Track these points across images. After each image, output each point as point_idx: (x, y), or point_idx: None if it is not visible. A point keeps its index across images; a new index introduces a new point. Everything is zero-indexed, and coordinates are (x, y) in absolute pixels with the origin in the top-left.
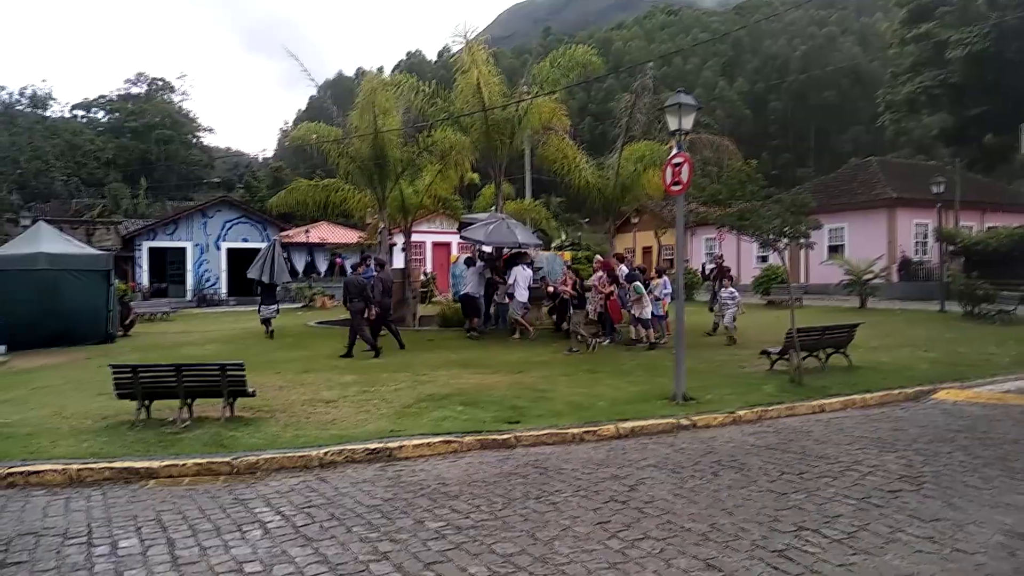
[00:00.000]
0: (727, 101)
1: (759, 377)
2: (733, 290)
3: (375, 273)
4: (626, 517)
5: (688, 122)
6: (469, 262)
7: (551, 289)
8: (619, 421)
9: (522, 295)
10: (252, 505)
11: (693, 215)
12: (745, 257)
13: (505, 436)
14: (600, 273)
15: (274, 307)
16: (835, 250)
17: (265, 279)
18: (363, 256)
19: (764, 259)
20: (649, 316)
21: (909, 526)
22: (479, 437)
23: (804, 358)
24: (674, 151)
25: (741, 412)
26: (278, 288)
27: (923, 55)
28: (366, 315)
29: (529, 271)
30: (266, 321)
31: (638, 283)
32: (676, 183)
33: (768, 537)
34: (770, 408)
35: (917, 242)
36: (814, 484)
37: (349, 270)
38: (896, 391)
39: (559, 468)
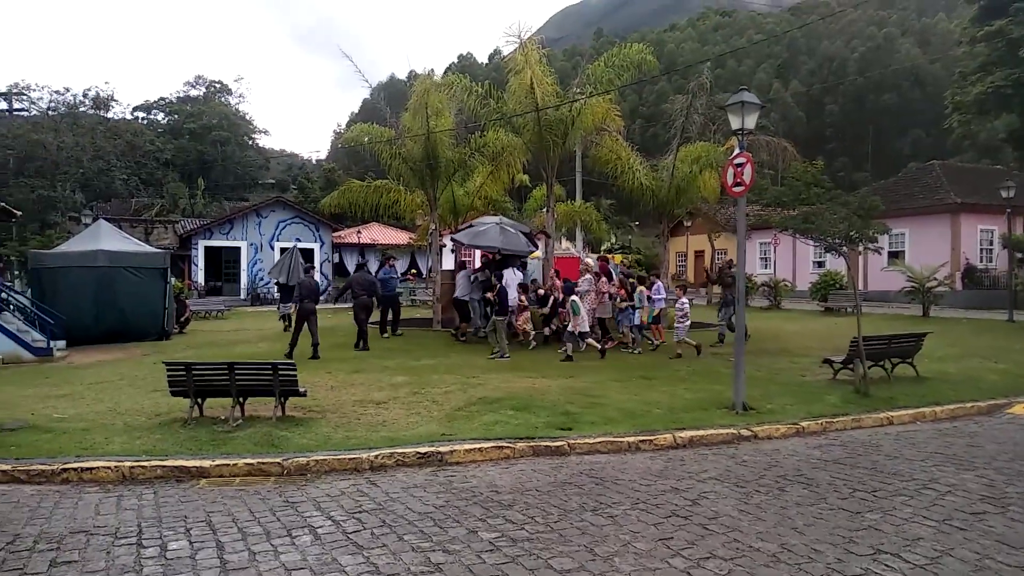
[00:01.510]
0: (782, 103)
1: (821, 387)
2: (685, 300)
3: (395, 275)
4: (689, 534)
5: (751, 121)
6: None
7: (541, 292)
8: (676, 430)
9: (512, 298)
10: (302, 508)
11: (750, 218)
12: (801, 263)
13: (558, 443)
14: (588, 276)
15: (291, 304)
16: (895, 256)
17: (282, 280)
18: (359, 263)
19: (820, 264)
20: (587, 329)
21: (997, 553)
22: (531, 443)
23: (869, 367)
24: (736, 151)
25: (804, 423)
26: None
27: (994, 54)
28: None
29: (520, 273)
30: (284, 317)
31: (574, 299)
32: (738, 184)
33: (844, 560)
34: (835, 420)
35: (982, 249)
36: (889, 503)
37: (355, 268)
38: (968, 404)
39: (615, 478)
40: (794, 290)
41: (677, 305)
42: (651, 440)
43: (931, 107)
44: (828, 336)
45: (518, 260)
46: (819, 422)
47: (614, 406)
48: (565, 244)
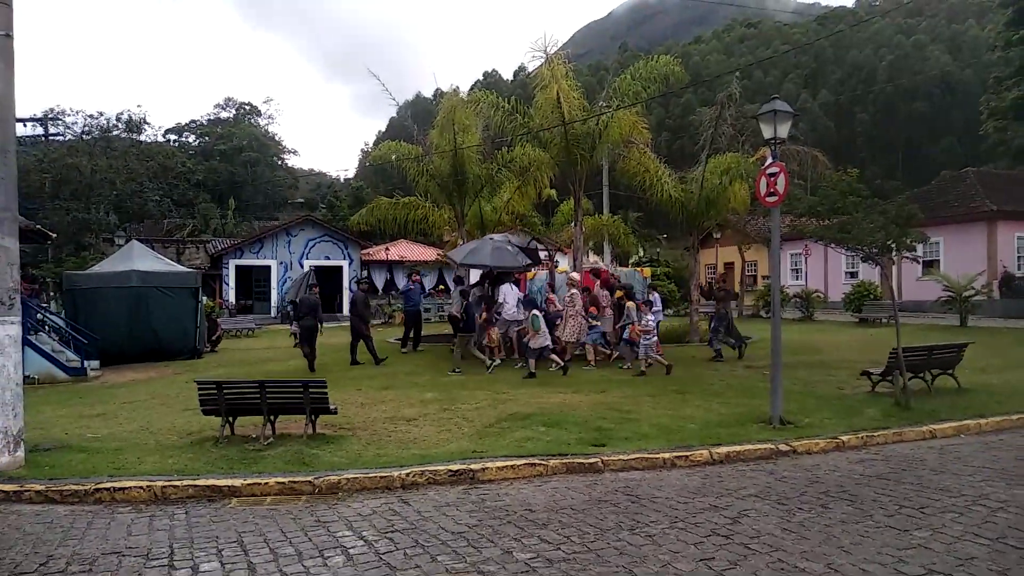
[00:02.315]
0: (810, 114)
1: (860, 399)
2: (651, 317)
3: (414, 289)
4: (731, 554)
5: (784, 130)
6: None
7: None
8: (712, 446)
9: (511, 314)
10: (334, 528)
11: (781, 228)
12: (833, 273)
13: (592, 459)
14: (574, 292)
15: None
16: (930, 265)
17: (297, 300)
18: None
19: (853, 275)
20: (543, 344)
21: None
22: (564, 460)
23: (909, 379)
24: (768, 160)
25: (844, 437)
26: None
27: None
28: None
29: (516, 289)
30: (295, 334)
31: (536, 312)
32: (772, 194)
33: None
34: (876, 433)
35: (1020, 257)
36: (938, 520)
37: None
38: (1015, 416)
39: (652, 496)
40: (826, 301)
41: (642, 322)
42: (687, 456)
43: (963, 114)
44: (864, 348)
45: (513, 276)
46: (859, 436)
47: (647, 421)
48: (593, 258)
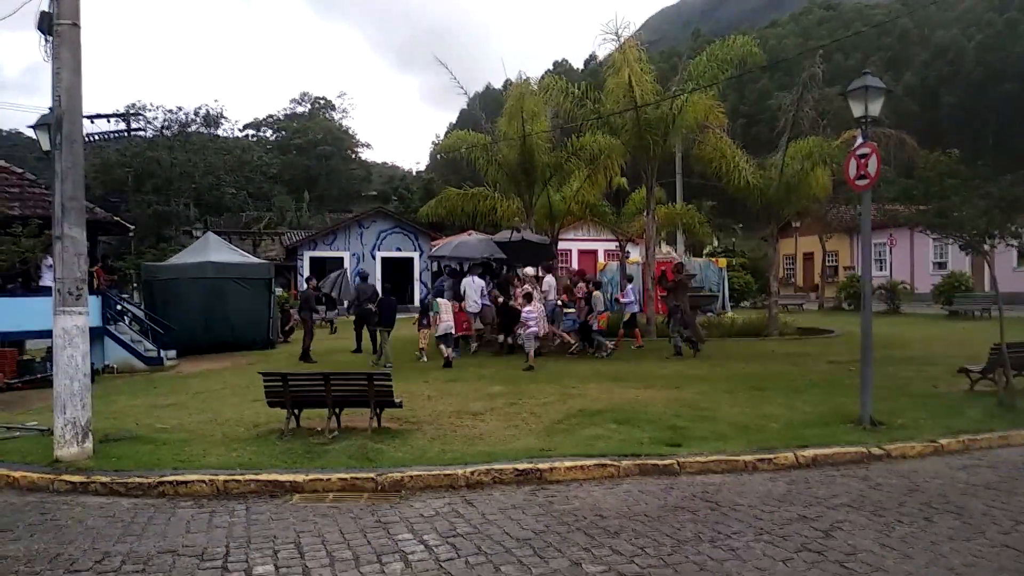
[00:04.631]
0: (893, 97)
1: (957, 399)
2: (531, 307)
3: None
4: (825, 573)
5: (875, 107)
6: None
7: (500, 300)
8: (797, 447)
9: (472, 306)
10: (394, 531)
11: (872, 215)
12: (919, 264)
13: (667, 461)
14: (525, 287)
15: (335, 312)
16: None
17: (334, 295)
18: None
19: (941, 265)
20: (446, 332)
21: None
22: (637, 461)
23: (1013, 376)
24: (858, 140)
25: (943, 440)
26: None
27: None
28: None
29: (481, 281)
30: (330, 321)
31: (438, 299)
32: (862, 176)
33: None
34: (978, 437)
35: None
36: None
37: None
38: None
39: (733, 503)
40: (913, 293)
41: (524, 312)
42: (770, 459)
43: None
44: (958, 342)
45: (479, 268)
46: (960, 439)
47: (725, 420)
48: (665, 248)
